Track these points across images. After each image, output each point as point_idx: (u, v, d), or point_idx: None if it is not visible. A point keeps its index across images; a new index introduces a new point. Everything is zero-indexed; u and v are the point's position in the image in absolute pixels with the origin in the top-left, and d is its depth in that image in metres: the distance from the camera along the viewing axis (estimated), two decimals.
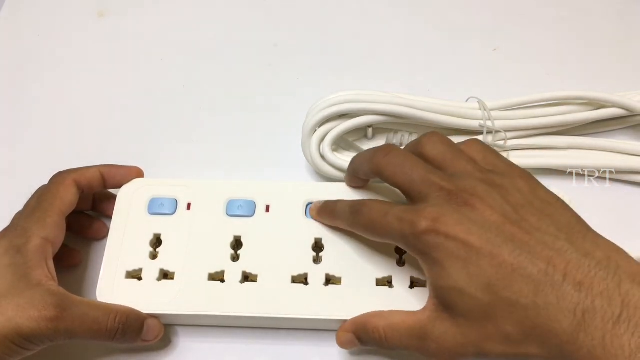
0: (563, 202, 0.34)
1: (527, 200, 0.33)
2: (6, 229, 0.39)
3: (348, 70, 0.54)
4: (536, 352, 0.30)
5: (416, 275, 0.39)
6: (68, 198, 0.40)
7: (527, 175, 0.35)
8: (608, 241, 0.32)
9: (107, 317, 0.37)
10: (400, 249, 0.39)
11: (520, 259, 0.30)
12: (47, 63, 0.56)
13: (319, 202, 0.41)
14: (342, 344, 0.37)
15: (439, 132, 0.38)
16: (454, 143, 0.37)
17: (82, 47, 0.56)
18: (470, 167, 0.35)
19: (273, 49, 0.56)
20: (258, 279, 0.39)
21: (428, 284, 0.34)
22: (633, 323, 0.28)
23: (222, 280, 0.39)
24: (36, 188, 0.42)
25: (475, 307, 0.31)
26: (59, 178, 0.41)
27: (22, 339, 0.34)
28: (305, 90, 0.52)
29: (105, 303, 0.38)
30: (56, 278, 0.38)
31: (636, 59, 0.52)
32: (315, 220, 0.41)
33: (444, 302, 0.33)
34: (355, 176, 0.40)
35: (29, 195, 0.42)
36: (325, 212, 0.40)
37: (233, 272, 0.39)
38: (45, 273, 0.37)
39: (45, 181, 0.42)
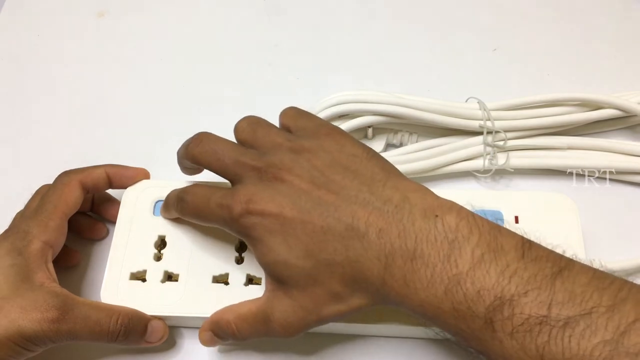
0: (369, 153, 0.36)
1: (334, 158, 0.35)
2: (7, 230, 0.39)
3: (348, 70, 0.54)
4: (365, 302, 0.33)
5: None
6: (72, 200, 0.40)
7: (335, 132, 0.37)
8: (409, 182, 0.34)
9: (110, 318, 0.37)
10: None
11: (329, 220, 0.32)
12: (47, 63, 0.55)
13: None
14: (203, 342, 0.38)
15: (251, 115, 0.39)
16: (263, 120, 0.39)
17: (82, 47, 0.56)
18: (280, 139, 0.36)
19: (273, 49, 0.56)
20: (262, 281, 0.39)
21: (259, 264, 0.35)
22: (427, 255, 0.30)
23: (226, 283, 0.39)
24: (36, 188, 0.42)
25: (302, 275, 0.33)
26: (64, 179, 0.41)
27: (25, 340, 0.35)
28: (305, 90, 0.52)
29: (108, 304, 0.38)
30: (57, 280, 0.38)
31: (636, 59, 0.53)
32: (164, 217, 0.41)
33: (275, 277, 0.34)
34: (184, 167, 0.41)
35: (29, 196, 0.42)
36: (163, 206, 0.41)
37: (237, 274, 0.39)
38: (47, 275, 0.37)
39: (45, 182, 0.42)
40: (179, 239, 0.41)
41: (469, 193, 0.43)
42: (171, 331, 0.40)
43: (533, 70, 0.53)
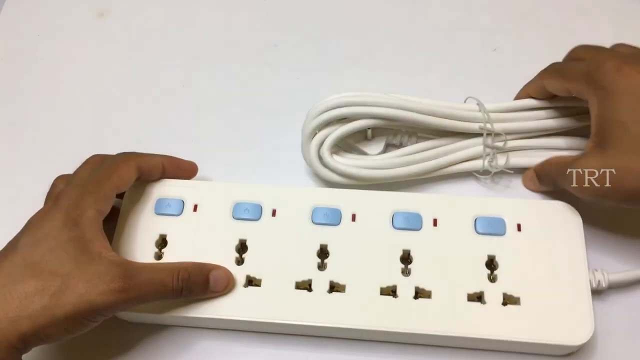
0: None
1: None
2: (57, 199, 0.38)
3: (348, 71, 0.54)
4: None
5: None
6: (126, 178, 0.41)
7: None
8: None
9: (171, 276, 0.37)
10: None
11: None
12: (47, 63, 0.56)
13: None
14: (524, 182, 0.46)
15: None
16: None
17: (82, 47, 0.56)
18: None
19: (273, 49, 0.56)
20: (261, 282, 0.39)
21: (594, 119, 0.38)
22: None
23: None
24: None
25: (629, 139, 0.36)
26: (123, 157, 0.42)
27: (95, 314, 0.35)
28: (305, 91, 0.52)
29: (167, 263, 0.38)
30: (110, 247, 0.38)
31: None
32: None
33: (604, 135, 0.37)
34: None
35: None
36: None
37: (237, 275, 0.39)
38: (103, 244, 0.37)
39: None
40: (180, 238, 0.41)
41: (472, 200, 0.42)
42: (172, 331, 0.41)
43: (533, 70, 0.52)
